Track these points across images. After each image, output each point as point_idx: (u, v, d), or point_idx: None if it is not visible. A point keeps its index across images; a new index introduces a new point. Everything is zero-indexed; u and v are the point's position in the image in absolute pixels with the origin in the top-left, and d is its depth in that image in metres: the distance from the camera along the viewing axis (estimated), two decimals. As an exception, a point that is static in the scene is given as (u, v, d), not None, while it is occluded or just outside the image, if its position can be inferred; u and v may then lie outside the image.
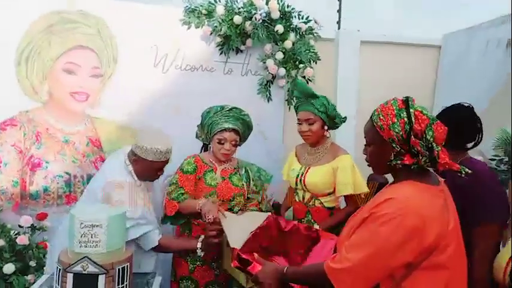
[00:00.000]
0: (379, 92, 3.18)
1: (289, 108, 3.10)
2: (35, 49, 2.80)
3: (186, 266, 2.19)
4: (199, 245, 1.97)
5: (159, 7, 2.95)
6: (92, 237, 1.46)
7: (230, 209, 2.20)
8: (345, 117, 2.26)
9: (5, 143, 2.78)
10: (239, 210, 2.24)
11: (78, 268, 1.44)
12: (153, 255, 2.02)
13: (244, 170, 2.32)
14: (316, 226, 2.04)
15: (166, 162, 2.01)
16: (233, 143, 2.19)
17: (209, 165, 2.25)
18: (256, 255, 1.53)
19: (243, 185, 2.26)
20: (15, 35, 2.76)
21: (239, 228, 1.82)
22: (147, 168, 1.94)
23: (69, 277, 1.44)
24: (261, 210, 2.29)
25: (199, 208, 2.03)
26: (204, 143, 2.38)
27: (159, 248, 1.97)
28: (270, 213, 2.03)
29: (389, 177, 1.41)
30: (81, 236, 1.47)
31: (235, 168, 2.31)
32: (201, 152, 2.39)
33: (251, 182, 2.30)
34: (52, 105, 2.85)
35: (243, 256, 1.51)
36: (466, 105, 1.94)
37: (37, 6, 2.77)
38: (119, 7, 2.89)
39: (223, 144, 2.18)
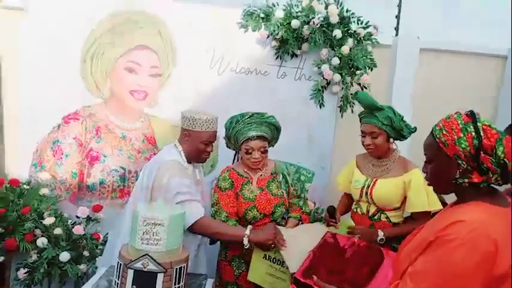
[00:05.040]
0: (436, 102, 3.07)
1: (342, 116, 3.05)
2: (99, 48, 2.92)
3: (231, 271, 2.16)
4: (247, 232, 1.88)
5: (217, 9, 2.98)
6: (153, 235, 1.49)
7: (274, 221, 2.15)
8: (415, 128, 2.11)
9: (68, 135, 2.92)
10: (282, 219, 2.19)
11: (138, 265, 1.47)
12: (194, 250, 2.01)
13: (281, 175, 2.23)
14: (356, 237, 1.87)
15: (214, 136, 2.04)
16: (261, 150, 2.10)
17: (245, 176, 2.17)
18: (315, 278, 1.47)
19: (282, 193, 2.18)
20: (81, 34, 2.90)
21: (294, 246, 1.77)
22: (196, 142, 2.00)
23: (130, 273, 1.48)
24: (304, 214, 2.22)
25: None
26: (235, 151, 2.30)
27: (198, 226, 1.88)
28: (325, 228, 1.97)
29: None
30: (143, 234, 1.50)
31: (272, 174, 2.22)
32: (233, 161, 2.32)
33: (290, 188, 2.23)
34: (112, 102, 2.97)
35: (302, 280, 1.46)
36: None
37: (102, 6, 2.89)
38: (179, 8, 2.96)
39: (251, 153, 2.10)
